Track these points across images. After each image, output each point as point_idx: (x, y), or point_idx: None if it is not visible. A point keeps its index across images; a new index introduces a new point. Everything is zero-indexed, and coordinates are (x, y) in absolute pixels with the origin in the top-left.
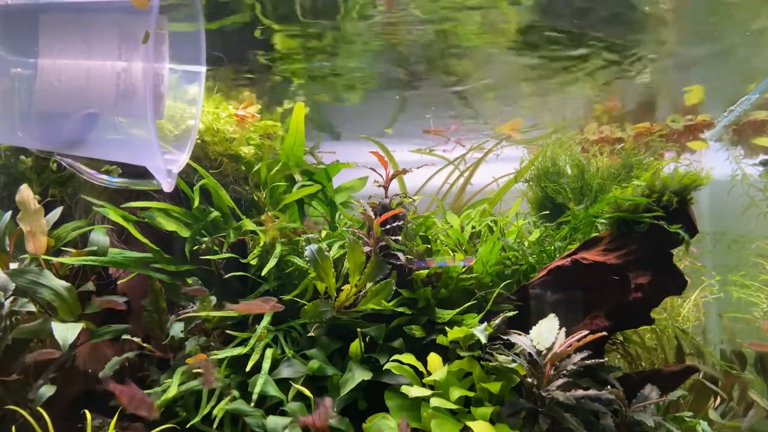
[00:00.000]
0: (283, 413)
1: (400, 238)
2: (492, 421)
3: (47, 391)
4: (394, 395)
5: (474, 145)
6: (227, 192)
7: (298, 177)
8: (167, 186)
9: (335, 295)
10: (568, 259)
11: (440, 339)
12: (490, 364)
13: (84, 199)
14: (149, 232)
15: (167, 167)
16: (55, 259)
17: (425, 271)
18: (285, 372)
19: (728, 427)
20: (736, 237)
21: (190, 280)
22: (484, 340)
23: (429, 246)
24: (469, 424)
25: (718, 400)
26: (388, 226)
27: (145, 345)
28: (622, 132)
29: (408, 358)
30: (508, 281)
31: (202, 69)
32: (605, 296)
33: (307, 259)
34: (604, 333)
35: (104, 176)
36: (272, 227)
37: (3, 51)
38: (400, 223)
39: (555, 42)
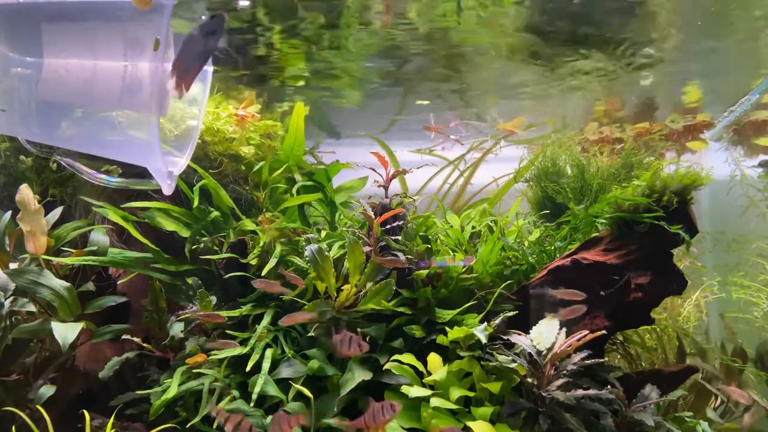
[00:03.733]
0: (284, 413)
1: (400, 238)
2: (492, 421)
3: (47, 391)
4: (394, 395)
5: (474, 144)
6: (227, 192)
7: (298, 177)
8: (167, 189)
9: (335, 295)
10: (568, 259)
11: (440, 339)
12: (490, 364)
13: (84, 199)
14: (149, 232)
15: (168, 169)
16: (55, 259)
17: (425, 271)
18: (285, 372)
19: (726, 428)
20: (736, 237)
21: (190, 280)
22: (484, 340)
23: (429, 246)
24: (469, 424)
25: (719, 400)
26: (388, 226)
27: (145, 345)
28: (622, 132)
29: (408, 358)
30: (509, 281)
31: (209, 68)
32: (605, 296)
33: (307, 259)
34: (604, 333)
35: (103, 176)
36: (269, 228)
37: (7, 49)
38: (400, 223)
39: (555, 41)
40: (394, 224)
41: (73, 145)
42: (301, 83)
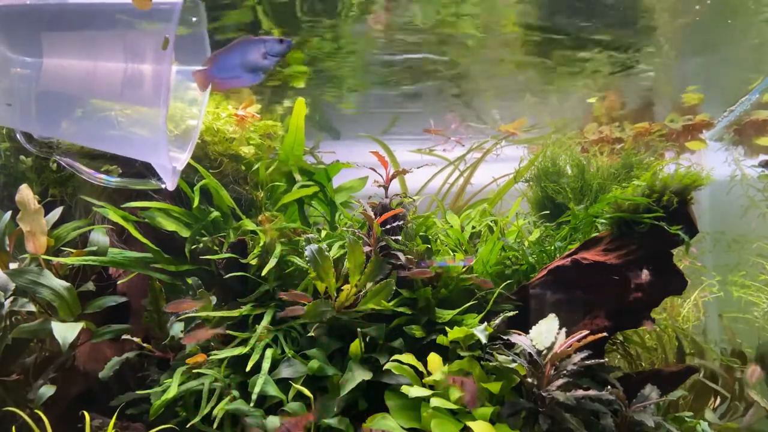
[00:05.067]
0: (284, 413)
1: (400, 238)
2: (492, 421)
3: (47, 391)
4: (394, 395)
5: (474, 145)
6: (227, 192)
7: (297, 176)
8: (171, 184)
9: (335, 295)
10: (568, 259)
11: (440, 339)
12: (491, 364)
13: (84, 199)
14: (149, 232)
15: (171, 164)
16: (55, 259)
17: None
18: (285, 372)
19: (726, 428)
20: (736, 237)
21: (190, 280)
22: (484, 340)
23: (429, 246)
24: (469, 424)
25: (718, 400)
26: (388, 226)
27: (145, 345)
28: (622, 132)
29: (408, 358)
30: (509, 281)
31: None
32: (605, 296)
33: (307, 259)
34: (604, 333)
35: (103, 176)
36: (270, 227)
37: (7, 49)
38: (400, 223)
39: (555, 42)
40: (394, 224)
41: (76, 140)
42: (301, 84)
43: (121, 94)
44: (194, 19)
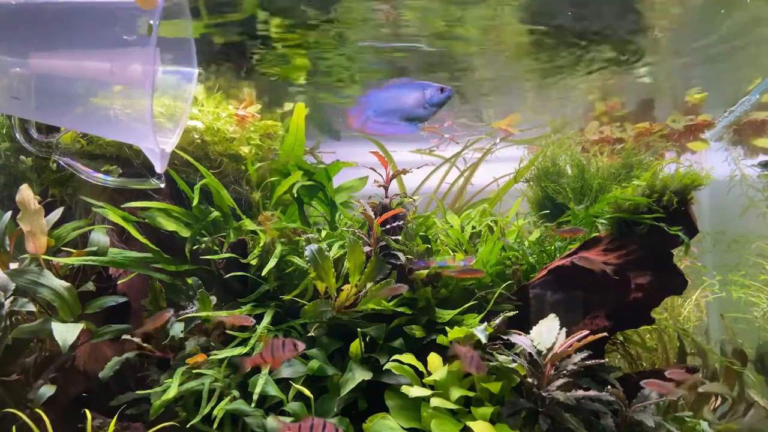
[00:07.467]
0: (283, 413)
1: (400, 238)
2: (492, 421)
3: (47, 391)
4: (395, 395)
5: (470, 142)
6: (227, 192)
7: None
8: (159, 167)
9: (335, 295)
10: (569, 259)
11: (440, 339)
12: (491, 364)
13: (84, 199)
14: (149, 232)
15: (160, 147)
16: (55, 259)
17: (425, 271)
18: (285, 372)
19: (726, 428)
20: (736, 237)
21: (190, 280)
22: (484, 340)
23: (429, 246)
24: (469, 424)
25: (719, 400)
26: (388, 226)
27: (145, 345)
28: (622, 132)
29: (408, 358)
30: (509, 281)
31: (194, 70)
32: (605, 296)
33: (307, 259)
34: (605, 333)
35: (100, 175)
36: (270, 227)
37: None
38: (400, 223)
39: (555, 40)
40: (394, 224)
41: (73, 126)
42: (302, 80)
43: (111, 72)
44: (185, 19)
